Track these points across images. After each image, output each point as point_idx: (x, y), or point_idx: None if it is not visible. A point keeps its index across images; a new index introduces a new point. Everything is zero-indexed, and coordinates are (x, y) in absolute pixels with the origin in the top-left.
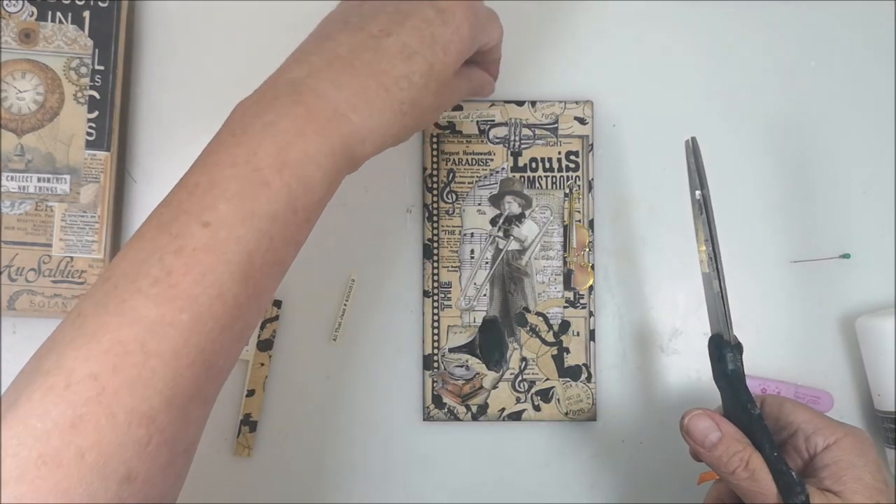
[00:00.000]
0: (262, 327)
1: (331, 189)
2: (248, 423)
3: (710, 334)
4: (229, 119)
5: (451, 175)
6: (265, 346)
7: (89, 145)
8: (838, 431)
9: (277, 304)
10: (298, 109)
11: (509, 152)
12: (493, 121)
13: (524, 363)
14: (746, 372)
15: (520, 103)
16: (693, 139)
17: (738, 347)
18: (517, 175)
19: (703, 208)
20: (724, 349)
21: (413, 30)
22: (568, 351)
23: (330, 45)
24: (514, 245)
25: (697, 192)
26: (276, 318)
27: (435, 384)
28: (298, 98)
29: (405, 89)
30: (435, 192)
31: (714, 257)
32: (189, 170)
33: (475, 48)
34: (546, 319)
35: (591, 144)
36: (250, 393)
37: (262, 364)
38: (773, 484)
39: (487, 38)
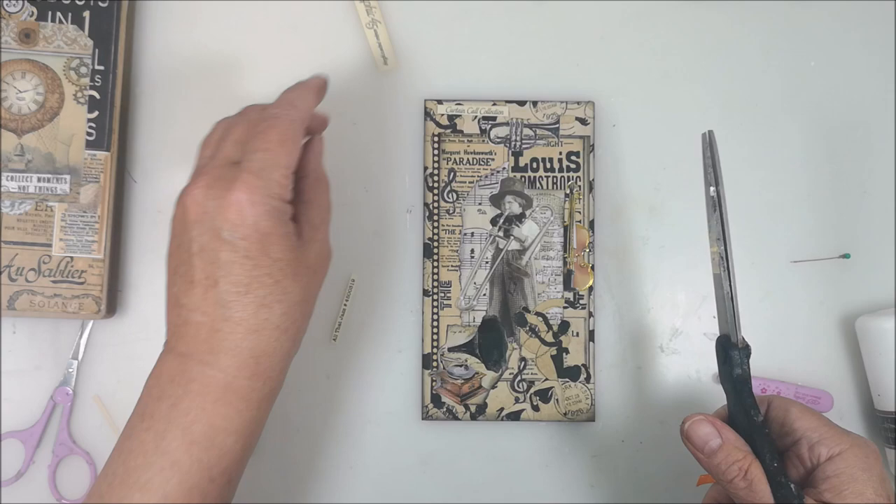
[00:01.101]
0: None
1: (256, 433)
2: None
3: (717, 335)
4: (139, 399)
5: (452, 174)
6: None
7: (89, 145)
8: (843, 442)
9: None
10: (194, 387)
11: (510, 152)
12: (495, 120)
13: (523, 363)
14: None
15: (521, 103)
16: (710, 133)
17: (745, 350)
18: (518, 175)
19: (717, 205)
20: (731, 351)
21: (231, 265)
22: (567, 351)
23: (184, 313)
24: (514, 245)
25: (712, 189)
26: None
27: (434, 383)
28: (191, 377)
29: (265, 322)
30: (435, 191)
31: (725, 257)
32: (111, 455)
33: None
34: (545, 319)
35: (592, 145)
36: None
37: None
38: (770, 496)
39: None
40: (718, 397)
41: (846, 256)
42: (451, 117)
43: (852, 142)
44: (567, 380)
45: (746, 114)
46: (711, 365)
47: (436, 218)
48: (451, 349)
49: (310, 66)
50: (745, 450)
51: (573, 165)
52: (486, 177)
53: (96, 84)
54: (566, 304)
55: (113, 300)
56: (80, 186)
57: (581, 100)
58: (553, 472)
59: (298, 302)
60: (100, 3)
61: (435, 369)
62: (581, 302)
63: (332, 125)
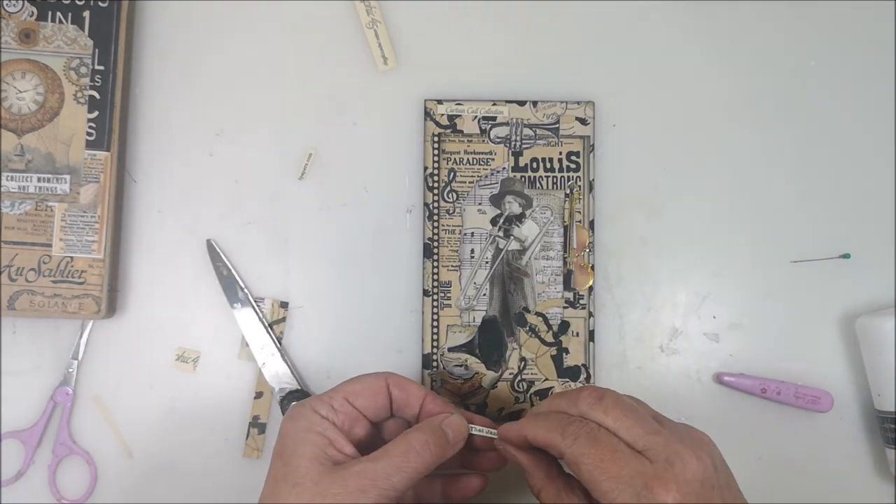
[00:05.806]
0: (270, 328)
1: None
2: (257, 425)
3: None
4: None
5: (452, 174)
6: None
7: (89, 145)
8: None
9: (284, 305)
10: None
11: (510, 152)
12: (495, 120)
13: (523, 363)
14: (747, 371)
15: (521, 103)
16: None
17: None
18: (518, 175)
19: None
20: None
21: None
22: (567, 351)
23: None
24: (514, 245)
25: None
26: (283, 319)
27: (434, 383)
28: None
29: None
30: (436, 191)
31: None
32: None
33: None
34: (545, 319)
35: (592, 145)
36: (258, 395)
37: None
38: None
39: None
40: (718, 397)
41: (846, 256)
42: (451, 117)
43: (852, 142)
44: (567, 380)
45: (746, 113)
46: (711, 365)
47: (436, 218)
48: (451, 349)
49: (310, 66)
50: None
51: (573, 165)
52: (486, 177)
53: (96, 84)
54: (566, 304)
55: (113, 300)
56: (80, 186)
57: (581, 100)
58: None
59: None
60: (100, 3)
61: (435, 369)
62: (581, 302)
63: (333, 125)
